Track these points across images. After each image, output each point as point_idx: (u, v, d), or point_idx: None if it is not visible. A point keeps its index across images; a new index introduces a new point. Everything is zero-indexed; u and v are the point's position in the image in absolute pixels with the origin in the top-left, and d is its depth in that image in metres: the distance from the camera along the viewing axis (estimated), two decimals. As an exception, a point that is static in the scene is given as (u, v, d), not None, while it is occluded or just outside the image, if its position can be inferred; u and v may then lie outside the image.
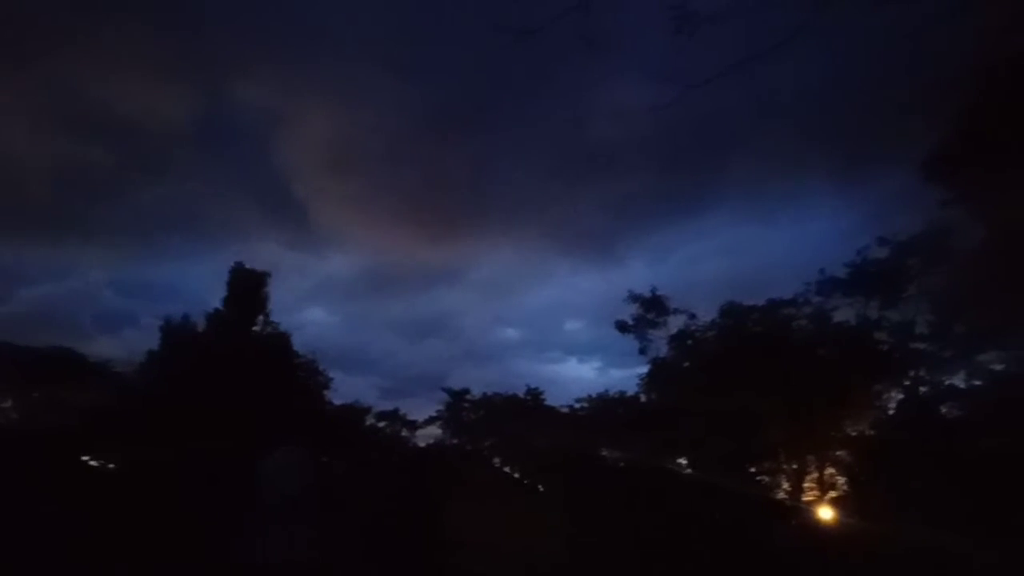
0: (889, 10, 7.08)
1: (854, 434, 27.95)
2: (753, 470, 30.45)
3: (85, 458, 27.47)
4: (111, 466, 27.73)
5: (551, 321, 78.50)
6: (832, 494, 28.27)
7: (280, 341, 28.02)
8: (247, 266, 28.02)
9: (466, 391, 42.14)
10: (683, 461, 32.01)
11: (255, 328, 27.66)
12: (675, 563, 22.06)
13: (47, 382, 36.42)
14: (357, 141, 70.69)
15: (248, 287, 27.54)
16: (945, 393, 26.67)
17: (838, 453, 28.53)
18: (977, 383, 25.56)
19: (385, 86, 71.15)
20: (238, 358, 25.08)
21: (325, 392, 33.08)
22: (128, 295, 64.04)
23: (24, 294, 64.59)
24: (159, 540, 20.08)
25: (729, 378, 27.26)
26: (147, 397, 25.22)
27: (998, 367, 24.54)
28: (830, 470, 28.89)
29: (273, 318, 28.45)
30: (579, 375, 64.41)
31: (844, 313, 27.62)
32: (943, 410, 26.49)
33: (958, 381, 26.47)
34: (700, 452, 29.63)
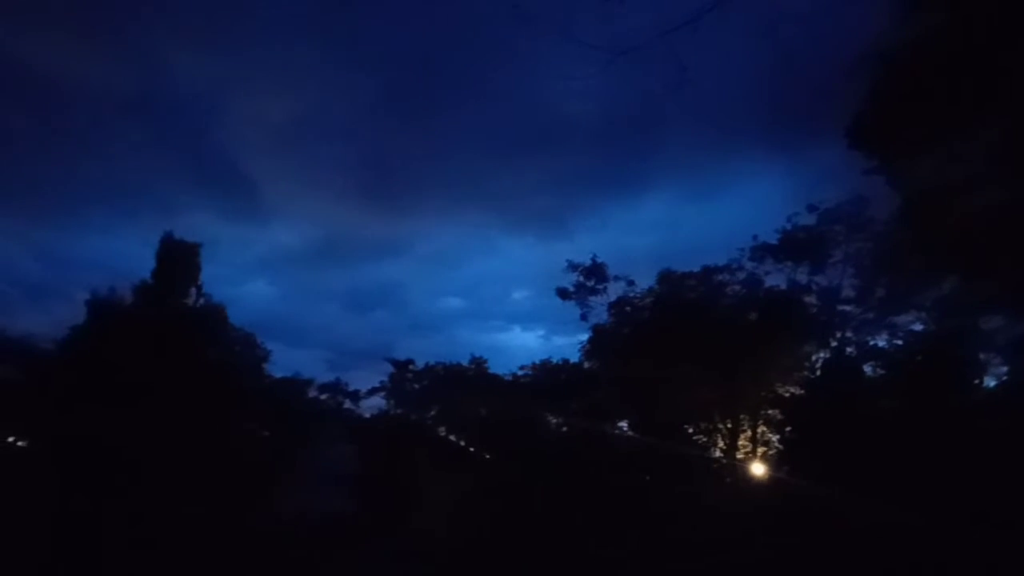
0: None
1: (785, 394, 28.94)
2: (691, 430, 31.35)
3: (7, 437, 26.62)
4: (20, 443, 26.98)
5: (496, 291, 78.94)
6: (764, 451, 29.39)
7: (214, 313, 27.25)
8: (177, 237, 27.03)
9: (410, 361, 42.16)
10: (623, 424, 32.75)
11: (187, 300, 26.81)
12: (611, 521, 22.61)
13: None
14: (304, 119, 69.18)
15: (178, 258, 26.59)
16: (869, 353, 27.81)
17: (769, 412, 29.57)
18: (898, 343, 26.73)
19: (333, 68, 69.64)
20: (167, 330, 24.27)
21: (264, 365, 32.59)
22: (58, 269, 61.64)
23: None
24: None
25: (666, 342, 27.83)
26: (70, 372, 24.29)
27: (917, 327, 25.72)
28: (762, 428, 29.97)
29: (214, 291, 27.62)
30: (523, 343, 65.19)
31: (775, 278, 28.46)
32: (867, 369, 27.65)
33: (881, 341, 27.70)
34: (640, 415, 30.34)
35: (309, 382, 38.87)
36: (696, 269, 30.20)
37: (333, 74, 67.84)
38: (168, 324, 25.11)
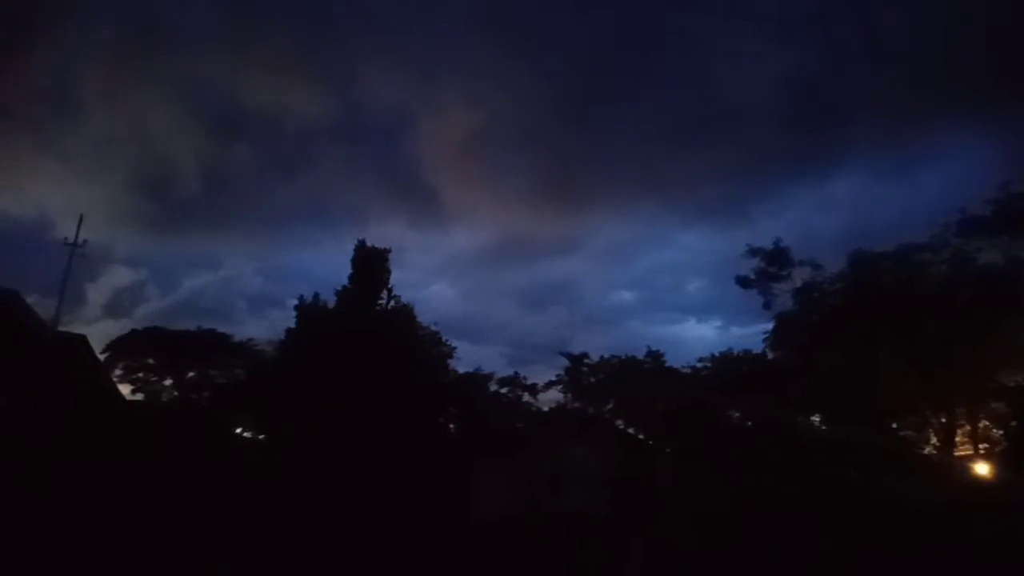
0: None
1: (1011, 384, 25.71)
2: (895, 425, 28.84)
3: (236, 430, 30.02)
4: (248, 435, 30.28)
5: (670, 283, 77.55)
6: (988, 448, 26.41)
7: (404, 314, 29.00)
8: (369, 245, 29.11)
9: (585, 355, 42.61)
10: (816, 418, 30.79)
11: (380, 302, 28.71)
12: (804, 520, 21.29)
13: (199, 362, 40.17)
14: (482, 128, 72.66)
15: (371, 264, 28.59)
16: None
17: (993, 405, 26.47)
18: None
19: (508, 76, 72.49)
20: (363, 331, 26.16)
21: (449, 361, 34.29)
22: (275, 280, 69.97)
23: (188, 284, 72.33)
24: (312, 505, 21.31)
25: (862, 329, 25.78)
26: (284, 371, 27.04)
27: None
28: (985, 423, 26.89)
29: (403, 293, 29.49)
30: (699, 335, 63.48)
31: (989, 255, 25.17)
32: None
33: None
34: (834, 408, 28.38)
35: (489, 376, 40.43)
36: (892, 248, 27.68)
37: (508, 82, 70.52)
38: (364, 325, 27.09)
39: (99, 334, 42.06)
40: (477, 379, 39.03)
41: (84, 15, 62.24)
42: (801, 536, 19.02)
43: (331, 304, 28.18)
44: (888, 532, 19.82)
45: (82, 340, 24.46)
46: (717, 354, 38.04)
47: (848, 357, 26.61)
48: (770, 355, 32.40)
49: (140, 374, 40.58)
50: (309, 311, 28.19)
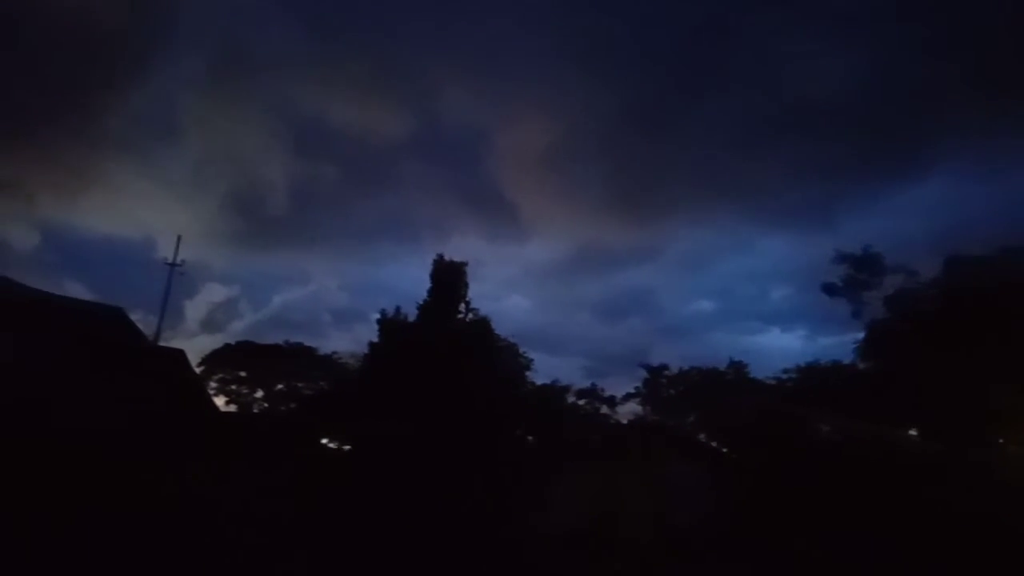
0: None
1: None
2: (1002, 440, 27.03)
3: (321, 440, 30.91)
4: (333, 445, 31.10)
5: (751, 292, 75.40)
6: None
7: (481, 326, 29.30)
8: (447, 259, 29.66)
9: (664, 367, 41.91)
10: (913, 432, 29.23)
11: (459, 315, 29.13)
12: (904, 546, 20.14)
13: (287, 375, 41.76)
14: (558, 140, 73.21)
15: (449, 277, 29.09)
16: None
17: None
18: None
19: (582, 88, 72.80)
20: (442, 344, 26.58)
21: (527, 373, 34.35)
22: (359, 294, 72.46)
23: (277, 300, 75.77)
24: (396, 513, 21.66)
25: (962, 337, 24.33)
26: (366, 383, 27.76)
27: None
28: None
29: (480, 305, 29.91)
30: (783, 345, 61.24)
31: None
32: None
33: None
34: (933, 422, 26.84)
35: (567, 388, 40.26)
36: (992, 252, 26.13)
37: (582, 93, 70.91)
38: (442, 337, 27.53)
39: (196, 348, 44.49)
40: (555, 391, 38.96)
41: (180, 44, 66.49)
42: (905, 562, 18.09)
43: (412, 317, 28.76)
44: (990, 555, 18.59)
45: (180, 354, 25.91)
46: (803, 365, 36.65)
47: (947, 368, 25.17)
48: (861, 366, 31.03)
49: (233, 386, 42.57)
50: (390, 325, 28.88)
